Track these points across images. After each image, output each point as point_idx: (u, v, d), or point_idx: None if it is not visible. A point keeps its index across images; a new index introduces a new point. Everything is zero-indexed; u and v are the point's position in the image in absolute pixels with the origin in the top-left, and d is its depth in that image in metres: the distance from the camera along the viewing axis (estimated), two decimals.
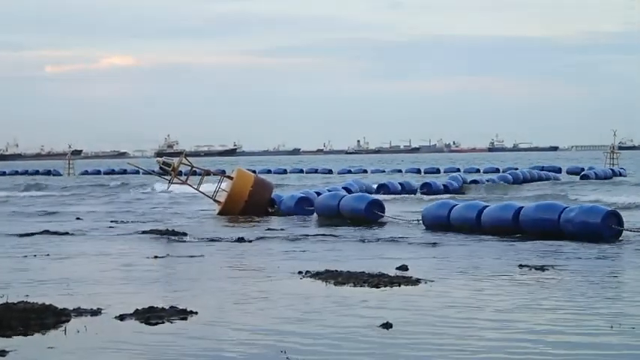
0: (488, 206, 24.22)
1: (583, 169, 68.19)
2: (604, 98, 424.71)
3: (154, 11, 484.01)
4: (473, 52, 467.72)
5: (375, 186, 43.82)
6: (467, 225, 23.84)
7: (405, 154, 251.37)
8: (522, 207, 23.02)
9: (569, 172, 70.13)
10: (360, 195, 30.25)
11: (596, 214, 21.14)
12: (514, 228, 22.63)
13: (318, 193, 32.50)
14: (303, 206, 31.24)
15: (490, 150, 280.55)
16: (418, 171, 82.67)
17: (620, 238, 20.83)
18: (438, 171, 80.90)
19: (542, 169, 71.79)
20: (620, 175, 64.73)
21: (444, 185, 45.16)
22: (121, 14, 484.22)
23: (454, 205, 25.03)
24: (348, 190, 35.36)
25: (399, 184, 45.33)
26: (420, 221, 25.77)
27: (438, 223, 24.75)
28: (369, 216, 27.30)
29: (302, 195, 32.40)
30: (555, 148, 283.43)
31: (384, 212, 27.76)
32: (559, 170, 72.97)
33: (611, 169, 65.90)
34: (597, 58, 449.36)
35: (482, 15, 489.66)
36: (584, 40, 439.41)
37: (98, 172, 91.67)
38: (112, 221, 30.03)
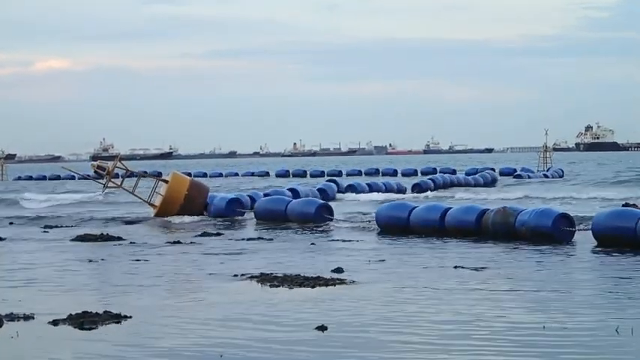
0: (451, 208, 24.34)
1: (515, 170, 69.08)
2: (539, 100, 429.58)
3: (91, 14, 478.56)
4: (410, 55, 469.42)
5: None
6: (429, 227, 23.83)
7: (341, 156, 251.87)
8: (486, 209, 23.27)
9: (502, 174, 70.50)
10: (308, 199, 30.43)
11: (547, 217, 21.45)
12: (475, 229, 22.81)
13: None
14: (233, 208, 31.29)
15: (426, 152, 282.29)
16: (359, 173, 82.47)
17: (573, 240, 21.14)
18: (377, 172, 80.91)
19: (477, 171, 72.30)
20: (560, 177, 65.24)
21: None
22: (57, 17, 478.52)
23: (414, 207, 25.04)
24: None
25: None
26: (372, 222, 25.80)
27: (395, 225, 24.79)
28: (319, 219, 27.42)
29: (233, 196, 32.52)
30: (490, 150, 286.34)
31: (332, 216, 27.93)
32: (492, 171, 73.51)
33: (545, 175, 66.26)
34: (533, 60, 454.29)
35: (420, 18, 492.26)
36: (521, 43, 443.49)
37: (30, 178, 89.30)
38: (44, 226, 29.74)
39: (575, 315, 11.80)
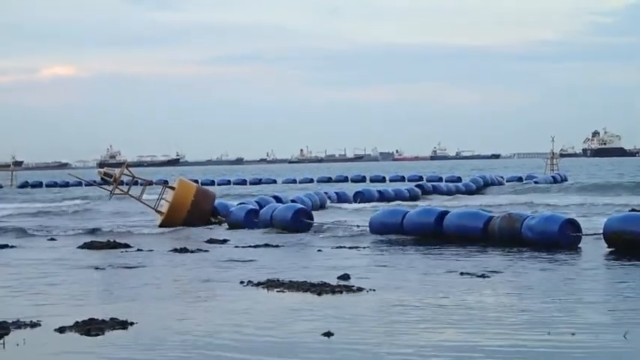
0: (449, 212, 24.24)
1: (521, 179, 68.84)
2: (545, 106, 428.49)
3: (96, 20, 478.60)
4: (415, 60, 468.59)
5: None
6: (426, 231, 23.84)
7: (347, 162, 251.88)
8: (492, 215, 23.22)
9: (508, 181, 70.05)
10: (288, 205, 30.46)
11: (554, 222, 21.43)
12: (482, 236, 22.72)
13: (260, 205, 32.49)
14: (251, 218, 30.76)
15: (432, 158, 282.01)
16: (363, 179, 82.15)
17: (579, 245, 21.11)
18: (384, 179, 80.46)
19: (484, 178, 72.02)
20: (563, 180, 65.84)
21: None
22: (62, 24, 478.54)
23: (407, 212, 25.06)
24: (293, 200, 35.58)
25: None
26: (365, 228, 25.80)
27: (389, 230, 24.77)
28: (297, 225, 27.40)
29: (251, 207, 32.04)
30: (497, 156, 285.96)
31: (312, 221, 27.92)
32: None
33: (552, 177, 66.82)
34: (538, 66, 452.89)
35: (423, 23, 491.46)
36: (526, 48, 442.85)
37: (40, 184, 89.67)
38: (49, 233, 29.79)
39: (583, 320, 11.77)
